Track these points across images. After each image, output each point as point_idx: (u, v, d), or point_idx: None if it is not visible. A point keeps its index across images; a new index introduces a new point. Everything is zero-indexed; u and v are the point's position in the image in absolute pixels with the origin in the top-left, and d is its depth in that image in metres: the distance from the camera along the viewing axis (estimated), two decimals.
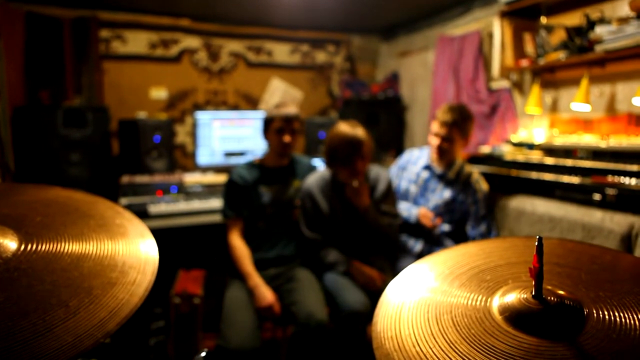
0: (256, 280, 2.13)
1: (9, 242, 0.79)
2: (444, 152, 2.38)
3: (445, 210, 2.38)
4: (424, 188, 2.47)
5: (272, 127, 2.30)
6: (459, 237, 2.41)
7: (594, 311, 0.70)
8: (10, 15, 2.88)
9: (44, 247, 0.82)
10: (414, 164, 2.56)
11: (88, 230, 0.91)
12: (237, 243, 2.24)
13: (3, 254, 0.76)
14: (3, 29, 2.45)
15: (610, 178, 2.01)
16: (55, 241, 0.84)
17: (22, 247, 0.80)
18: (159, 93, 3.68)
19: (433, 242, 2.40)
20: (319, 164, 2.55)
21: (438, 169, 2.44)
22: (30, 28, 3.09)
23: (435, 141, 2.39)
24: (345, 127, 2.19)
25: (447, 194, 2.39)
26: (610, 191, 1.96)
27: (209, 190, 3.08)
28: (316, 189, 2.28)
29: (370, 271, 2.18)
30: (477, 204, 2.34)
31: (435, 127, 2.38)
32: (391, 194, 2.35)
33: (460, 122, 2.33)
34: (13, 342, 0.62)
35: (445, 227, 2.38)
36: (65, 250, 0.83)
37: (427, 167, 2.48)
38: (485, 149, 2.80)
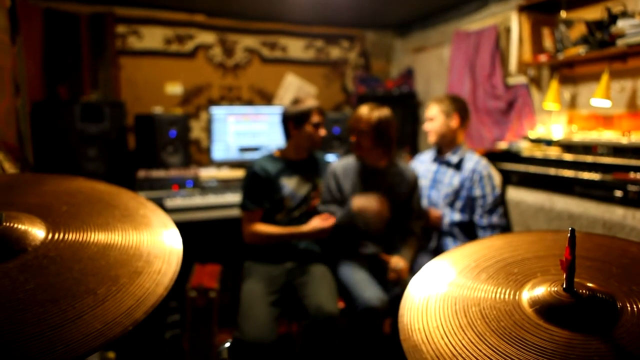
0: (299, 229, 2.22)
1: (37, 230, 0.80)
2: (432, 133, 2.48)
3: (455, 198, 2.38)
4: (433, 180, 2.50)
5: (311, 120, 2.31)
6: (468, 228, 2.39)
7: (628, 305, 0.69)
8: (29, 12, 2.91)
9: (71, 236, 0.83)
10: (421, 163, 2.64)
11: (113, 220, 0.92)
12: (261, 226, 2.25)
13: (32, 242, 0.77)
14: (22, 26, 2.47)
15: (632, 175, 1.97)
16: (81, 230, 0.85)
17: (50, 235, 0.81)
18: (174, 88, 3.69)
19: (443, 234, 2.40)
20: (333, 159, 2.55)
21: (442, 156, 2.50)
22: (48, 24, 3.12)
23: (425, 126, 2.55)
24: (364, 108, 2.30)
25: (455, 180, 2.39)
26: (633, 188, 1.92)
27: (224, 185, 3.09)
28: (341, 171, 2.31)
29: (399, 260, 2.19)
30: (485, 198, 2.31)
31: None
32: (417, 192, 2.37)
33: (438, 99, 2.48)
34: (45, 328, 0.63)
35: (456, 217, 2.36)
36: (92, 239, 0.84)
37: (434, 159, 2.55)
38: (503, 145, 2.77)
